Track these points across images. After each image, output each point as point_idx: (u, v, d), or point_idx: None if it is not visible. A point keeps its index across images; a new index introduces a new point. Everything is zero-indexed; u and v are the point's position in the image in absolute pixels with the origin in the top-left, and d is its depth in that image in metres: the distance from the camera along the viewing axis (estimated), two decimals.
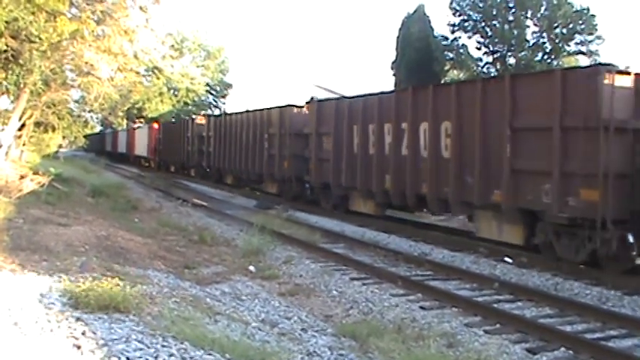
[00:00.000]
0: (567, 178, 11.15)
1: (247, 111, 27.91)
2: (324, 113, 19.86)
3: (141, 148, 45.14)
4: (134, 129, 49.97)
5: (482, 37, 38.17)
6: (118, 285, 6.67)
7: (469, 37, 38.98)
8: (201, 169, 34.06)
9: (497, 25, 37.01)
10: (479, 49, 38.83)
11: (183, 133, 36.62)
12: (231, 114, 31.08)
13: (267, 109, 25.12)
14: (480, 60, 39.18)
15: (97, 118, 39.47)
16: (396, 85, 37.58)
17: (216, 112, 59.00)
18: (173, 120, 46.21)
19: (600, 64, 12.22)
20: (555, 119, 11.29)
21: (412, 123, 15.39)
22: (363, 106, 17.73)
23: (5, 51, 16.23)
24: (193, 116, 39.09)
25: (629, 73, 11.12)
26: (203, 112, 48.25)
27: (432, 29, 39.57)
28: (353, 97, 18.82)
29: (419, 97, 15.33)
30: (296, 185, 22.33)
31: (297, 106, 23.04)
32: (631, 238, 10.82)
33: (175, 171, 38.93)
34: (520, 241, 12.66)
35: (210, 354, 5.14)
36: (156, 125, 43.32)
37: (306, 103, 22.23)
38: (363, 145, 17.53)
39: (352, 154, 18.07)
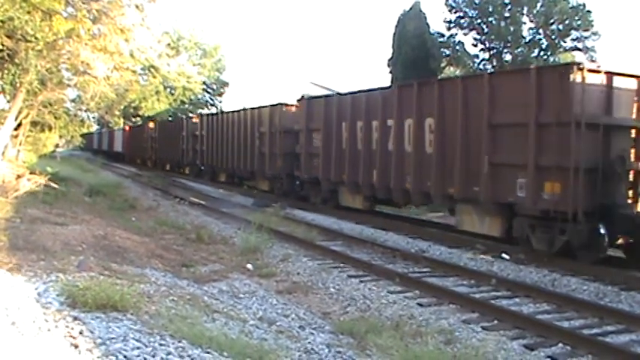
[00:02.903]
0: (273, 156, 24.18)
1: (173, 120, 44.47)
2: (204, 123, 33.68)
3: (118, 145, 55.50)
4: (113, 131, 58.54)
5: (478, 33, 38.08)
6: (116, 284, 6.68)
7: (465, 34, 38.86)
8: (152, 161, 45.17)
9: (494, 22, 36.92)
10: (475, 45, 38.72)
11: (143, 135, 46.86)
12: (167, 121, 46.29)
13: (181, 119, 40.99)
14: (477, 57, 39.08)
15: (93, 118, 39.73)
16: (392, 81, 37.52)
17: (213, 110, 58.98)
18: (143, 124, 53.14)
19: (280, 103, 24.04)
20: (274, 128, 24.09)
21: (237, 131, 27.83)
22: (216, 120, 31.68)
23: (1, 50, 16.20)
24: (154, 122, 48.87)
25: (297, 106, 22.45)
26: (189, 117, 49.78)
27: (428, 26, 39.47)
28: (213, 114, 34.68)
29: (229, 117, 29.95)
30: (194, 166, 35.70)
31: (193, 117, 38.35)
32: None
33: (141, 163, 47.29)
34: (267, 188, 24.95)
35: (208, 352, 5.15)
36: (127, 128, 53.43)
37: (198, 115, 37.66)
38: (216, 142, 31.01)
39: (214, 147, 31.32)
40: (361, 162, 17.64)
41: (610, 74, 11.96)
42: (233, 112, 29.92)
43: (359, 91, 18.25)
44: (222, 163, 30.10)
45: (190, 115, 43.83)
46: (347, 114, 18.49)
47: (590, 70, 11.66)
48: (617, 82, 12.02)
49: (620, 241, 11.86)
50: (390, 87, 17.28)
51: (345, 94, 19.26)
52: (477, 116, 13.39)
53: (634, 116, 12.06)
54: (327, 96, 20.51)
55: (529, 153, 12.09)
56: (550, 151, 11.77)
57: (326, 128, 19.58)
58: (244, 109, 27.84)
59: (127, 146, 51.71)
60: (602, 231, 11.55)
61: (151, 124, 46.02)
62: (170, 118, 40.67)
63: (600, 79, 11.81)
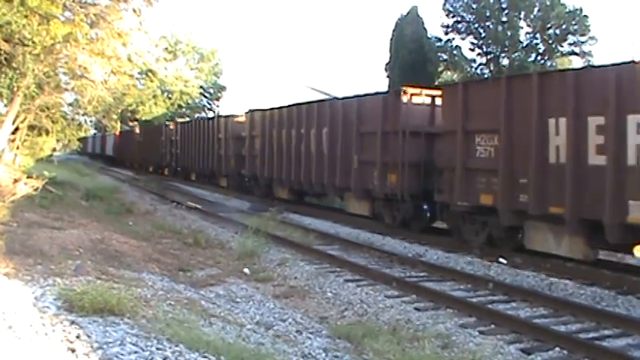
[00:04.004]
0: (222, 157, 29.96)
1: (145, 128, 48.99)
2: (178, 129, 38.82)
3: (109, 149, 59.87)
4: (105, 135, 62.18)
5: (475, 38, 38.24)
6: (113, 288, 6.67)
7: (462, 39, 39.05)
8: (138, 163, 48.56)
9: (491, 27, 37.07)
10: (472, 50, 38.93)
11: (130, 139, 51.22)
12: (150, 127, 49.93)
13: (161, 125, 45.66)
14: (474, 61, 39.26)
15: (90, 121, 39.71)
16: (389, 86, 37.59)
17: (210, 114, 58.96)
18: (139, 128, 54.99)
19: (231, 115, 29.97)
20: (228, 135, 29.34)
21: (203, 136, 33.08)
22: (188, 127, 37.45)
23: None
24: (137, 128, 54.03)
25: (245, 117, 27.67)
26: (169, 123, 50.84)
27: (426, 30, 39.64)
28: (186, 122, 40.89)
29: (197, 124, 35.96)
30: (171, 167, 40.32)
31: (170, 124, 42.72)
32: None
33: (129, 165, 50.46)
34: (225, 185, 30.01)
35: (205, 356, 5.14)
36: (117, 133, 56.83)
37: (174, 122, 42.98)
38: (187, 146, 36.23)
39: (186, 150, 36.27)
40: (284, 161, 22.50)
41: (432, 96, 16.12)
42: (200, 120, 37.90)
43: (286, 106, 23.17)
44: (193, 164, 35.31)
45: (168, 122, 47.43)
46: (276, 124, 23.49)
47: (414, 94, 16.02)
48: (439, 101, 15.43)
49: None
50: (301, 104, 22.06)
51: (274, 109, 24.17)
52: (351, 126, 18.15)
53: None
54: (264, 109, 25.18)
55: (378, 153, 16.62)
56: (390, 152, 16.22)
57: (263, 135, 24.74)
58: (208, 119, 35.32)
59: (117, 150, 56.08)
60: (425, 208, 16.09)
61: (137, 130, 51.13)
62: (167, 123, 44.59)
63: (423, 100, 16.16)
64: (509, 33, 36.52)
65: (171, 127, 40.61)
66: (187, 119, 43.97)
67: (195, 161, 34.30)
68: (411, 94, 15.94)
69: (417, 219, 16.25)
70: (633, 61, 10.60)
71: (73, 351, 4.79)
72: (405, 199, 15.87)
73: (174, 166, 39.44)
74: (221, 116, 31.67)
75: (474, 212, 13.48)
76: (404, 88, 16.17)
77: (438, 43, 39.50)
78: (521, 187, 12.01)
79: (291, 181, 22.16)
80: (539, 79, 11.90)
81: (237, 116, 29.25)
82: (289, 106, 22.83)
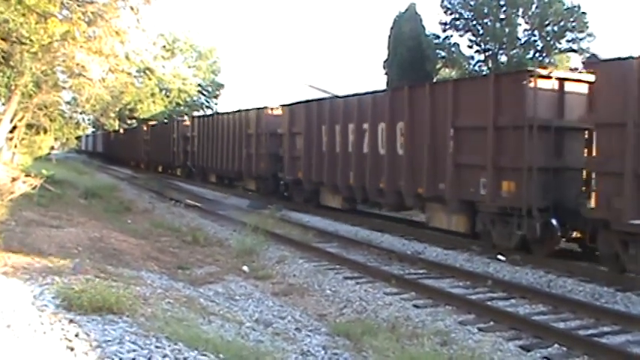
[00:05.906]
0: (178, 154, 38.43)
1: (127, 129, 56.24)
2: (149, 131, 45.05)
3: (99, 147, 67.88)
4: (97, 135, 68.87)
5: (473, 35, 38.12)
6: (112, 286, 6.65)
7: (461, 36, 38.89)
8: (121, 158, 54.14)
9: (489, 24, 36.96)
10: (470, 47, 38.75)
11: (117, 139, 57.83)
12: (131, 129, 55.36)
13: (138, 127, 50.84)
14: (472, 58, 39.09)
15: (88, 120, 39.82)
16: (388, 84, 37.53)
17: (208, 112, 58.89)
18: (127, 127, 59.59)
19: (180, 119, 39.99)
20: (179, 135, 37.43)
21: (163, 136, 40.05)
22: (155, 129, 44.24)
23: None
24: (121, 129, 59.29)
25: (189, 121, 37.61)
26: (170, 123, 50.68)
27: (424, 28, 39.51)
28: (154, 125, 46.59)
29: (160, 127, 44.40)
30: (145, 162, 46.76)
31: (145, 126, 47.52)
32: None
33: (116, 161, 55.58)
34: (180, 174, 38.02)
35: (204, 354, 5.13)
36: (107, 133, 61.86)
37: (148, 125, 47.28)
38: (154, 144, 43.07)
39: (154, 147, 42.67)
40: (211, 154, 30.72)
41: (287, 106, 22.77)
42: (162, 123, 46.81)
43: (210, 115, 34.06)
44: (158, 158, 43.17)
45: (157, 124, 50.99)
46: (206, 126, 32.27)
47: (272, 108, 24.47)
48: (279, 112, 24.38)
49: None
50: (219, 113, 31.77)
51: (204, 116, 34.01)
52: (242, 130, 26.59)
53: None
54: (200, 116, 35.13)
55: (254, 148, 25.17)
56: (261, 147, 24.75)
57: (199, 135, 33.34)
58: (166, 123, 44.69)
59: (106, 147, 63.83)
60: (281, 183, 23.36)
61: (121, 130, 57.92)
62: (166, 121, 49.00)
63: (279, 112, 23.72)
64: (507, 30, 36.41)
65: (145, 128, 47.35)
66: (156, 122, 49.98)
67: (160, 156, 42.19)
68: (271, 109, 24.60)
69: (276, 191, 23.87)
70: (357, 94, 18.55)
71: (72, 349, 4.78)
72: (268, 177, 24.27)
73: (146, 160, 46.75)
74: (174, 120, 41.60)
75: (296, 183, 21.41)
76: (265, 105, 24.84)
77: (436, 40, 39.36)
78: (312, 166, 20.02)
79: (214, 169, 30.95)
80: (317, 105, 20.21)
81: (184, 120, 38.53)
82: (212, 115, 32.60)
